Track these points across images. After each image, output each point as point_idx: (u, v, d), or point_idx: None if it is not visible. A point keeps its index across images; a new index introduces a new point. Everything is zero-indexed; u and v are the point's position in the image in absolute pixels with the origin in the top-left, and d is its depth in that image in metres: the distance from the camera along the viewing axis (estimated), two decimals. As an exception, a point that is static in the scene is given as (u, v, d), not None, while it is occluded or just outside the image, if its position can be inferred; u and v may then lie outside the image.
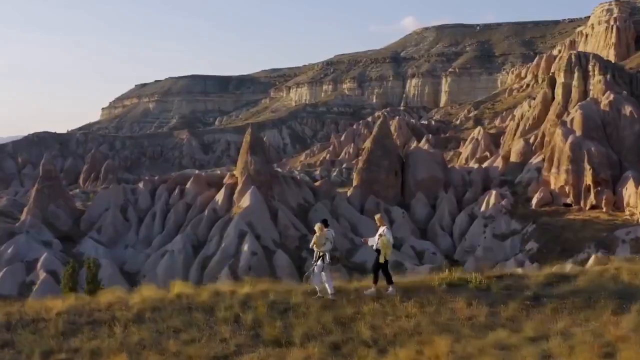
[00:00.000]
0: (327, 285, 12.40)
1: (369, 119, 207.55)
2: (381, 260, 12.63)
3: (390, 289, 12.67)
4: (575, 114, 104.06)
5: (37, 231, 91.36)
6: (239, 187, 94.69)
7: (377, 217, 13.87)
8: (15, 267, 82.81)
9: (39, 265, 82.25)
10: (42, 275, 79.97)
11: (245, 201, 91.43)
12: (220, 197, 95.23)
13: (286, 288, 12.60)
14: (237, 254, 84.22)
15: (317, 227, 13.01)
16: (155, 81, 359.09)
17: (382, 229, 13.00)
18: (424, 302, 11.59)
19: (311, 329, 10.46)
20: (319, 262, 12.41)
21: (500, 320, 10.75)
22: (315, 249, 12.68)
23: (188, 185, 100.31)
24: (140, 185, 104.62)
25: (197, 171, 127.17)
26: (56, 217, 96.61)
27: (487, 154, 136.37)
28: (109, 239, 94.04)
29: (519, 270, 15.27)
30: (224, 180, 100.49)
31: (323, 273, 12.39)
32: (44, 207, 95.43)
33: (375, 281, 12.89)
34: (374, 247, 12.97)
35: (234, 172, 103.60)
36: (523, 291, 12.24)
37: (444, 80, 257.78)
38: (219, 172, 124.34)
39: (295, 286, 13.00)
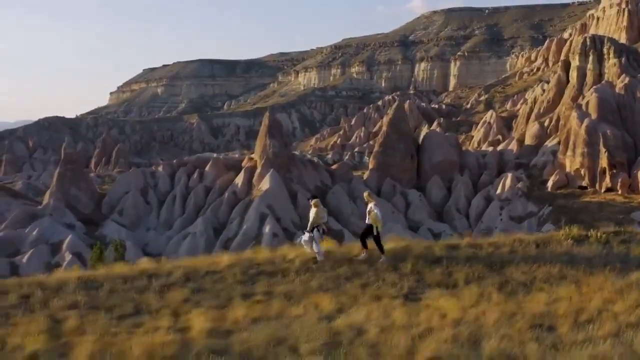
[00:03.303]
0: (317, 252, 13.56)
1: (379, 102, 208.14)
2: (375, 232, 13.55)
3: (383, 258, 13.55)
4: (590, 97, 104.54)
5: (60, 214, 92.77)
6: (258, 170, 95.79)
7: (365, 194, 14.87)
8: (41, 248, 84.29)
9: (64, 247, 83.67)
10: (68, 257, 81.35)
11: (265, 184, 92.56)
12: (239, 180, 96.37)
13: (425, 244, 13.88)
14: (258, 235, 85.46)
15: (315, 202, 14.10)
16: (163, 65, 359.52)
17: (370, 206, 13.85)
18: (557, 252, 12.91)
19: (467, 274, 11.87)
20: (314, 232, 13.59)
21: (633, 265, 12.29)
22: (317, 220, 13.78)
23: (207, 168, 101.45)
24: (160, 168, 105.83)
25: (215, 155, 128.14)
26: (78, 200, 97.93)
27: (500, 137, 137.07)
28: (131, 222, 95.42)
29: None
30: (243, 164, 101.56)
31: (314, 242, 13.58)
32: (66, 190, 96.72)
33: (365, 247, 13.80)
34: (367, 222, 13.94)
35: (252, 156, 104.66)
36: None
37: (452, 64, 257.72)
38: (236, 155, 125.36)
39: (433, 242, 14.24)
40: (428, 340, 7.58)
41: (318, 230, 13.61)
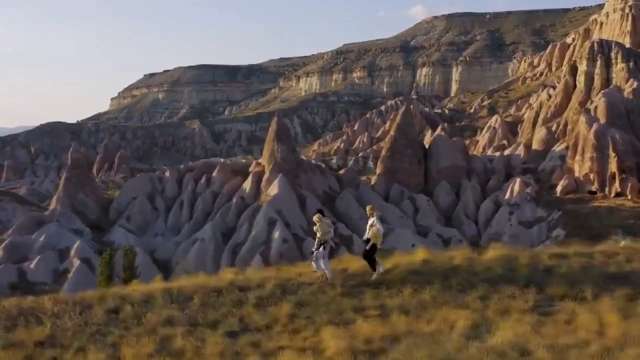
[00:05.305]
0: (326, 271, 12.98)
1: (382, 107, 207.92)
2: (369, 246, 13.01)
3: (374, 276, 12.91)
4: (599, 102, 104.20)
5: (67, 220, 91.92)
6: (266, 175, 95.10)
7: (368, 207, 14.34)
8: (48, 255, 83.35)
9: (72, 253, 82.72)
10: (76, 263, 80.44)
11: (274, 189, 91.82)
12: (247, 185, 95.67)
13: (529, 253, 13.33)
14: (267, 241, 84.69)
15: (317, 217, 13.58)
16: (164, 71, 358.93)
17: (371, 220, 13.43)
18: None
19: (593, 286, 11.12)
20: (321, 249, 13.10)
21: None
22: (322, 237, 13.32)
23: (214, 173, 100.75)
24: (167, 174, 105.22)
25: (222, 160, 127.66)
26: (84, 205, 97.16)
27: (505, 142, 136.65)
28: (138, 228, 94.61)
29: None
30: (250, 169, 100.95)
31: (322, 260, 13.03)
32: (73, 196, 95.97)
33: (373, 267, 13.14)
34: (365, 237, 13.48)
35: (260, 161, 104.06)
36: None
37: (454, 69, 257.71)
38: (244, 160, 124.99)
39: (539, 250, 13.65)
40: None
41: (324, 248, 13.10)
